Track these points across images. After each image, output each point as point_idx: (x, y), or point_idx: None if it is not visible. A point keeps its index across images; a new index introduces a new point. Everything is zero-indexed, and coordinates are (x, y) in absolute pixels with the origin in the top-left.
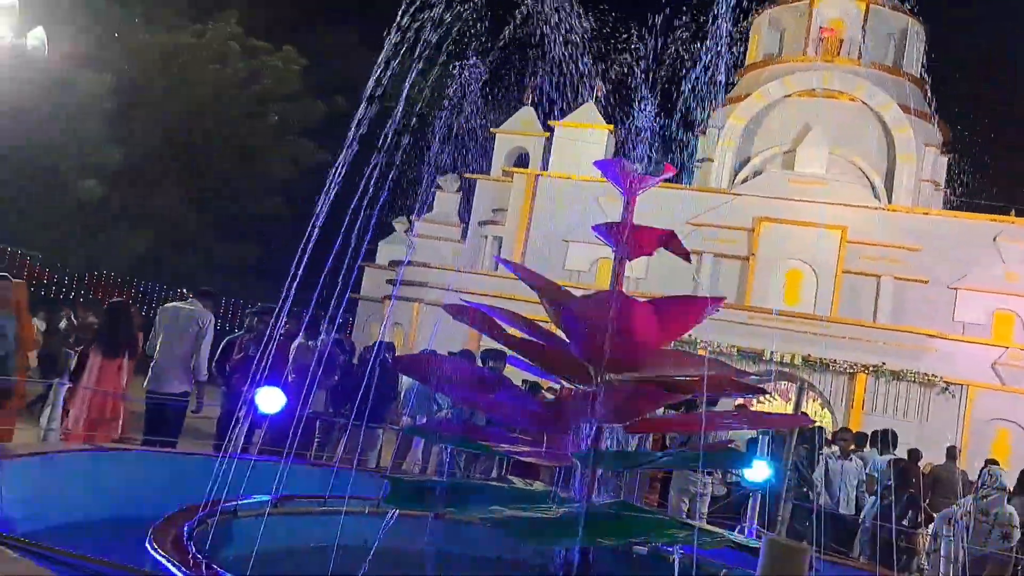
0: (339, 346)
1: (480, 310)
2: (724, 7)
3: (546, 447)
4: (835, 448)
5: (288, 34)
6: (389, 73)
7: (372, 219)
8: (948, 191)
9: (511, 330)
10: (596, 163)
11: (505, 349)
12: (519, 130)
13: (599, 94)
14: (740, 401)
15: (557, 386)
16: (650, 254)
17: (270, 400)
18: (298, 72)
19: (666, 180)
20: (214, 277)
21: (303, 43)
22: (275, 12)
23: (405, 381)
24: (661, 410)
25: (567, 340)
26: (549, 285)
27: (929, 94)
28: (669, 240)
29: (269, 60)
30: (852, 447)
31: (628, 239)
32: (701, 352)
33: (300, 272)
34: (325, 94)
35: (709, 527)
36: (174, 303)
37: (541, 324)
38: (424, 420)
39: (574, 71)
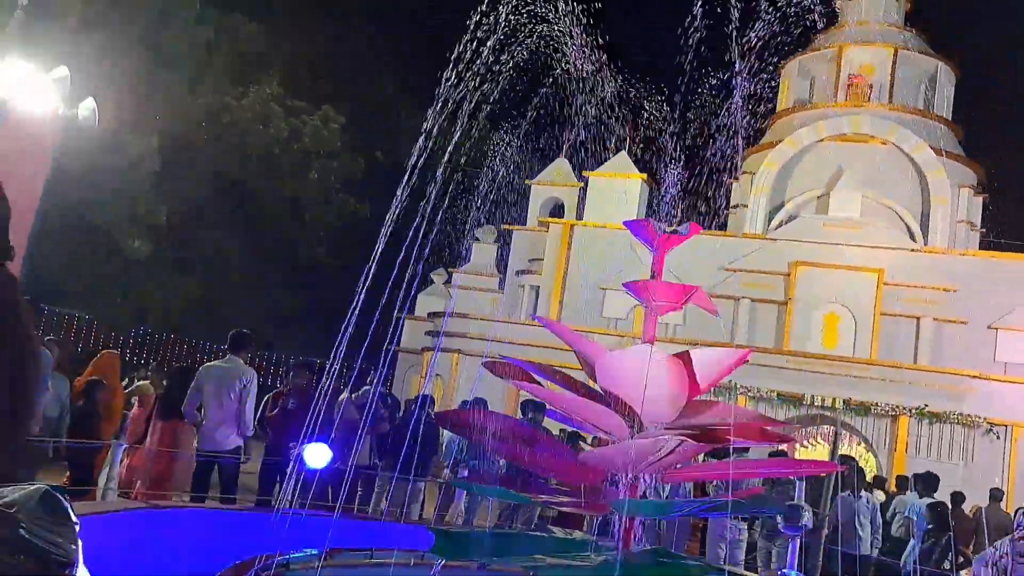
0: (383, 400)
1: (517, 365)
2: (755, 55)
3: (585, 497)
4: (878, 493)
5: (328, 91)
6: (427, 132)
7: (417, 272)
8: (984, 231)
9: (548, 384)
10: (626, 223)
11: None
12: (554, 181)
13: (630, 143)
14: (783, 447)
15: (596, 436)
16: (678, 309)
17: (317, 456)
18: (337, 130)
19: (698, 232)
20: (263, 325)
21: (343, 99)
22: (315, 71)
23: (446, 433)
24: (702, 457)
25: (602, 392)
26: (583, 341)
27: (961, 135)
28: (695, 295)
29: (309, 120)
30: (894, 489)
31: (656, 296)
32: (741, 399)
33: (349, 326)
34: (364, 149)
35: (742, 572)
36: (216, 363)
37: (574, 376)
38: (466, 472)
39: (607, 121)
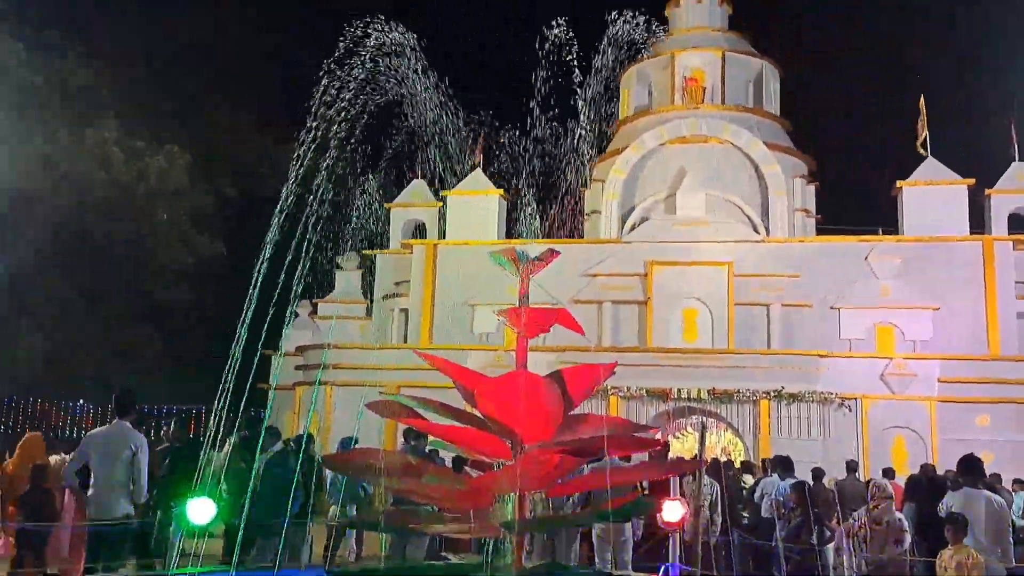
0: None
1: (400, 404)
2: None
3: (475, 521)
4: (747, 476)
5: (171, 130)
6: (298, 162)
7: (284, 307)
8: (819, 217)
9: (431, 416)
10: (490, 254)
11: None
12: (413, 203)
13: (479, 162)
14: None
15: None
16: (547, 331)
17: (201, 511)
18: (183, 168)
19: (556, 257)
20: (120, 377)
21: (186, 137)
22: (157, 107)
23: (327, 470)
24: (586, 467)
25: (483, 419)
26: (461, 371)
27: (790, 128)
28: (562, 317)
29: (153, 159)
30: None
31: (526, 323)
32: (612, 399)
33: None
34: (214, 185)
35: (634, 574)
36: (100, 429)
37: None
38: (354, 509)
39: (459, 141)
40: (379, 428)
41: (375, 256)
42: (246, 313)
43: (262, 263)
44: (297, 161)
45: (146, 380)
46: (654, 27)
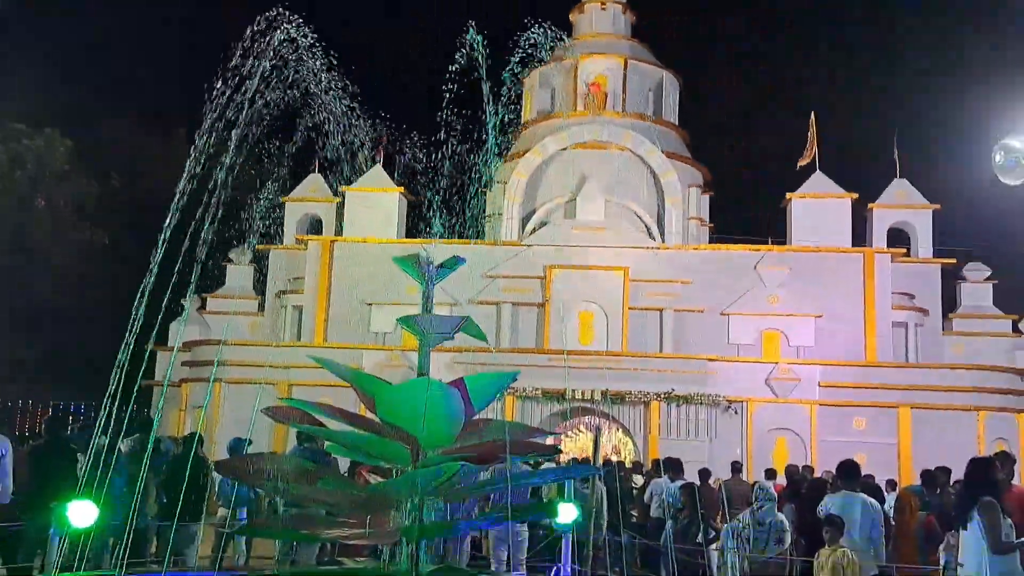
0: (158, 444)
1: (298, 409)
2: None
3: (371, 527)
4: (637, 477)
5: (52, 113)
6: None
7: (173, 302)
8: (712, 226)
9: (331, 422)
10: (395, 259)
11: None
12: (309, 197)
13: (379, 158)
14: (550, 440)
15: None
16: (451, 339)
17: (82, 514)
18: (65, 153)
19: (463, 263)
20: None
21: (71, 119)
22: (36, 90)
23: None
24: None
25: (383, 424)
26: (361, 377)
27: (687, 138)
28: (466, 325)
29: (31, 143)
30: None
31: (431, 330)
32: (508, 399)
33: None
34: (98, 173)
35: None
36: None
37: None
38: (244, 511)
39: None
40: (270, 427)
41: (269, 251)
42: (137, 308)
43: (157, 257)
44: (194, 152)
45: (31, 380)
46: (559, 34)
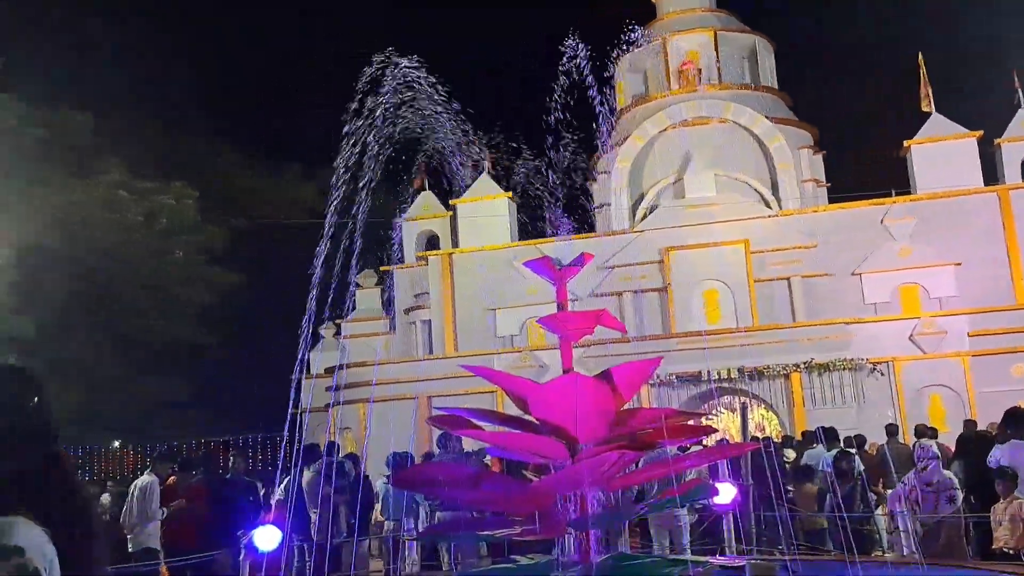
0: (341, 467)
1: (458, 415)
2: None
3: (541, 522)
4: (788, 451)
5: (175, 167)
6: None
7: (303, 332)
8: (829, 185)
9: (487, 426)
10: (526, 264)
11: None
12: (423, 215)
13: (488, 166)
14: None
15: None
16: (590, 334)
17: (267, 539)
18: (193, 204)
19: (590, 260)
20: (148, 419)
21: (193, 170)
22: (158, 148)
23: (378, 485)
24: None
25: (537, 423)
26: (511, 379)
27: (790, 100)
28: (603, 318)
29: (162, 199)
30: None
31: (569, 326)
32: (643, 388)
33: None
34: (224, 218)
35: (696, 558)
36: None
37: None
38: (411, 522)
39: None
40: (415, 440)
41: (392, 271)
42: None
43: (311, 292)
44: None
45: (169, 419)
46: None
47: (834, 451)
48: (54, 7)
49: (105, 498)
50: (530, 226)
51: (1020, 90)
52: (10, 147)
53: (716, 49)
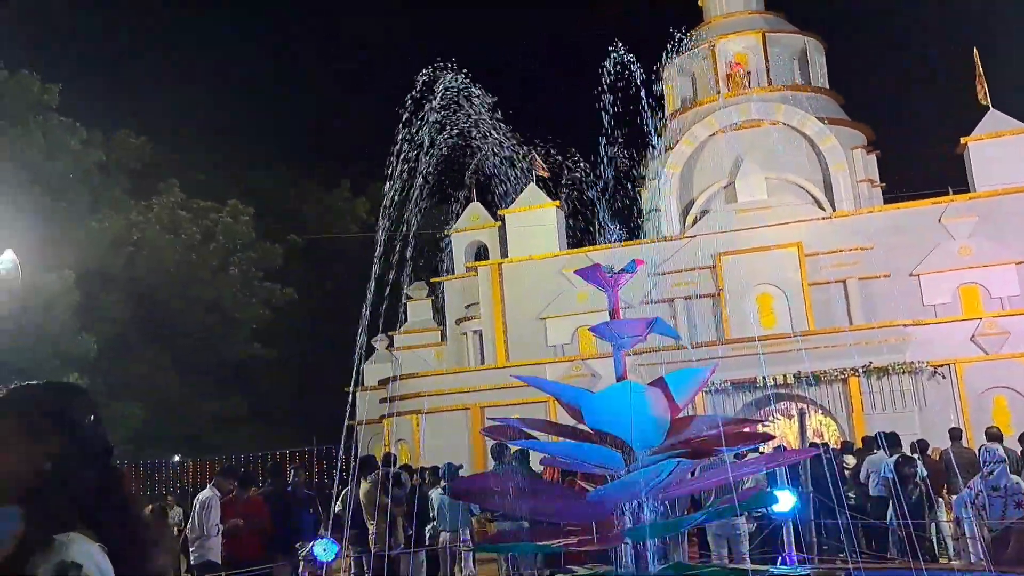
0: (397, 479)
1: (513, 426)
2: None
3: (597, 532)
4: (848, 457)
5: (231, 184)
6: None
7: (358, 345)
8: (884, 185)
9: (540, 435)
10: (576, 272)
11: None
12: (472, 226)
13: (541, 173)
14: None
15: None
16: (644, 341)
17: (326, 550)
18: (249, 221)
19: (641, 265)
20: (210, 433)
21: (248, 188)
22: (213, 168)
23: (433, 496)
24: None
25: (592, 432)
26: (565, 389)
27: (842, 100)
28: (656, 324)
29: (219, 217)
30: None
31: (623, 334)
32: (697, 397)
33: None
34: (278, 235)
35: (756, 567)
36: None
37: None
38: (467, 532)
39: (510, 157)
40: (468, 450)
41: (443, 283)
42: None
43: (364, 305)
44: (383, 208)
45: (231, 434)
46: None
47: (895, 457)
48: (111, 35)
49: (175, 512)
50: (579, 234)
51: None
52: (71, 171)
53: (765, 51)
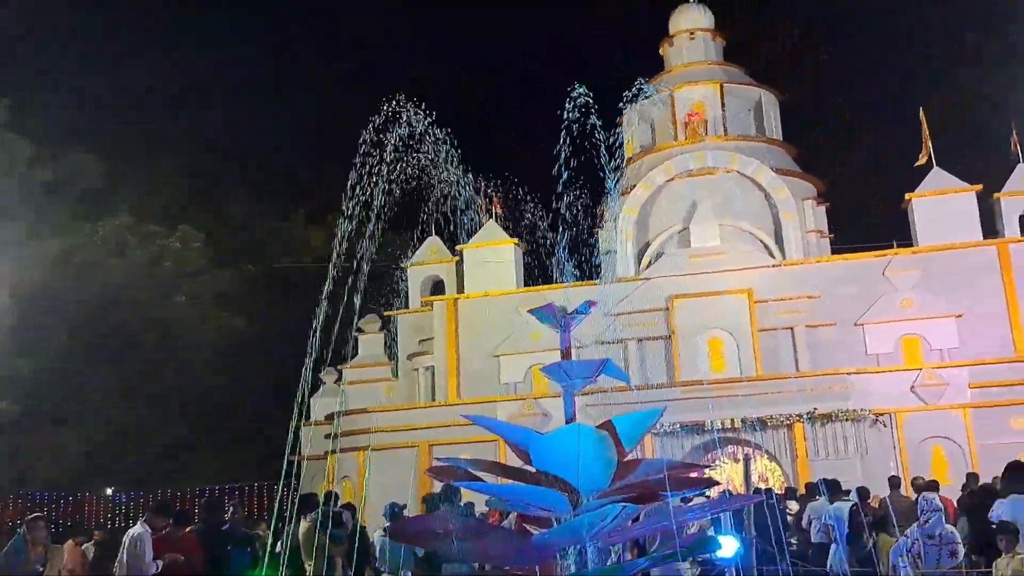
0: (338, 518)
1: (459, 467)
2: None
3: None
4: (791, 503)
5: (181, 212)
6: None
7: (302, 378)
8: (832, 236)
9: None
10: (531, 311)
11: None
12: (429, 260)
13: (497, 211)
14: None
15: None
16: (593, 382)
17: None
18: (199, 248)
19: (594, 306)
20: (157, 463)
21: (201, 216)
22: (166, 194)
23: (375, 536)
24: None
25: (538, 473)
26: (512, 429)
27: (795, 152)
28: (607, 366)
29: (167, 243)
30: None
31: (573, 375)
32: (646, 438)
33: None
34: (231, 262)
35: None
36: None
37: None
38: (408, 574)
39: (469, 194)
40: (415, 489)
41: (396, 316)
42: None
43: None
44: (336, 240)
45: (176, 464)
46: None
47: (837, 503)
48: (64, 53)
49: (88, 547)
50: (537, 272)
51: (1019, 145)
52: (16, 189)
53: (722, 101)
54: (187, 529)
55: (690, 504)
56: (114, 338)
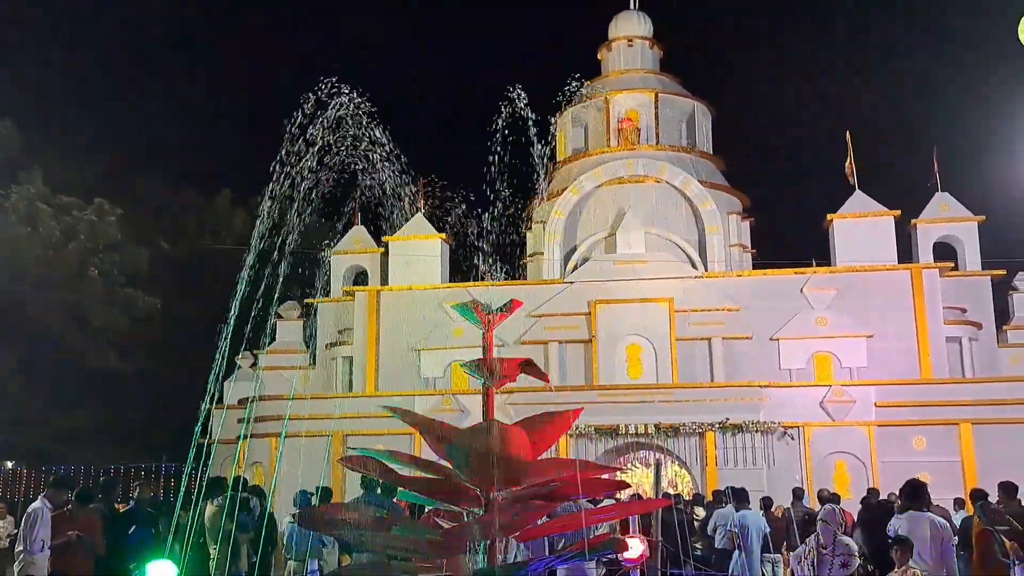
0: (246, 503)
1: (373, 459)
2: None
3: (447, 570)
4: (698, 509)
5: (99, 184)
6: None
7: (216, 361)
8: (755, 252)
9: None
10: (454, 307)
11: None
12: (353, 249)
13: (421, 205)
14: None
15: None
16: (514, 381)
17: (161, 574)
18: (115, 223)
19: (519, 307)
20: (60, 446)
21: (119, 191)
22: (84, 165)
23: (284, 523)
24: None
25: (452, 468)
26: (431, 423)
27: (723, 166)
28: (528, 366)
29: (82, 215)
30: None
31: (493, 372)
32: (563, 439)
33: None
34: (147, 240)
35: None
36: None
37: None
38: (315, 563)
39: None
40: (325, 478)
41: (317, 304)
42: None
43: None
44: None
45: (82, 448)
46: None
47: (743, 511)
48: None
49: (6, 522)
50: (464, 270)
51: (938, 174)
52: None
53: (656, 110)
54: (90, 506)
55: (600, 506)
56: (20, 314)
